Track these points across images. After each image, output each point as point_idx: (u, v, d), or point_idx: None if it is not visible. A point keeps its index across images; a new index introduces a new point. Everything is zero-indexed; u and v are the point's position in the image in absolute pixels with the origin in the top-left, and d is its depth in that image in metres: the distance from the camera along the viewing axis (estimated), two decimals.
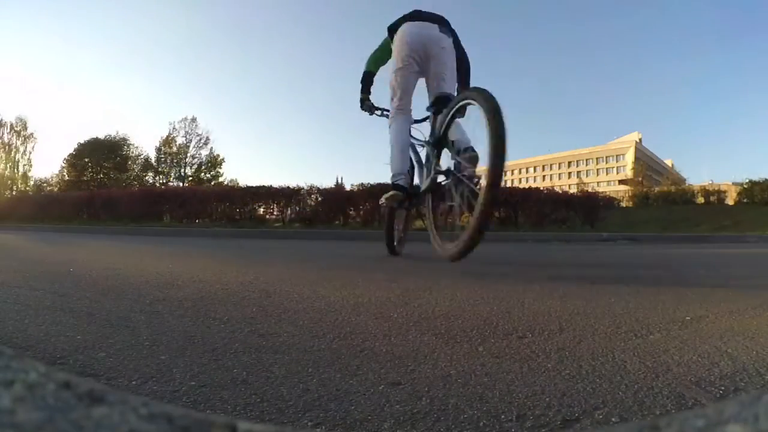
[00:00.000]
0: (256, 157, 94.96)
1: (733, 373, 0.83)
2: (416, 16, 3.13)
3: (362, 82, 3.42)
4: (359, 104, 3.43)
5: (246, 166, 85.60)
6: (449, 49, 3.07)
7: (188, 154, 37.54)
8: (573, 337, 1.09)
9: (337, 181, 15.61)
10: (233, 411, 0.66)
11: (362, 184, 10.01)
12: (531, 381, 0.79)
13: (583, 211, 10.23)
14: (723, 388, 0.76)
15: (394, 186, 2.93)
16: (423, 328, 1.16)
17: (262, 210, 10.78)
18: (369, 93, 3.43)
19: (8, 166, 35.57)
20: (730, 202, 21.26)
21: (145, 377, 0.78)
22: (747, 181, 20.44)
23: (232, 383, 0.76)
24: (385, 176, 3.67)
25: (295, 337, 1.06)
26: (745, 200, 20.01)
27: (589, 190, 18.19)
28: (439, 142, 2.82)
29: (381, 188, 9.40)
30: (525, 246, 5.58)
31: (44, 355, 0.90)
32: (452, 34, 3.14)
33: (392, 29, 3.18)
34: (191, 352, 0.93)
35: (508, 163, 2.06)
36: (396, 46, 3.10)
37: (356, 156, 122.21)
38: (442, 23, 3.12)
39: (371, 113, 3.43)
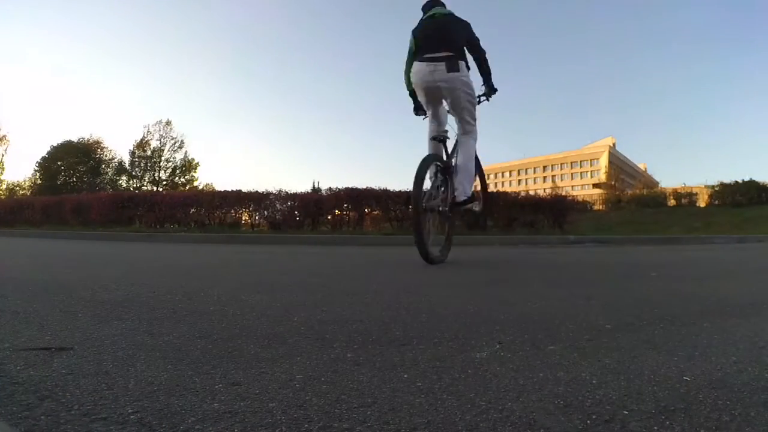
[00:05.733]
0: (237, 162, 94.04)
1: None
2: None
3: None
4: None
5: (224, 171, 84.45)
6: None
7: (163, 158, 36.85)
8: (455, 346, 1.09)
9: (314, 185, 15.40)
10: None
11: (330, 188, 9.78)
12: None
13: (551, 213, 10.27)
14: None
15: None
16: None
17: (233, 213, 10.57)
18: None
19: None
20: (701, 204, 21.58)
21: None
22: (718, 183, 20.76)
23: None
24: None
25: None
26: (716, 202, 20.35)
27: (561, 193, 18.28)
28: None
29: (347, 193, 9.12)
30: (489, 249, 5.62)
31: None
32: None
33: None
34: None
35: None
36: None
37: (336, 159, 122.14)
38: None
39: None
